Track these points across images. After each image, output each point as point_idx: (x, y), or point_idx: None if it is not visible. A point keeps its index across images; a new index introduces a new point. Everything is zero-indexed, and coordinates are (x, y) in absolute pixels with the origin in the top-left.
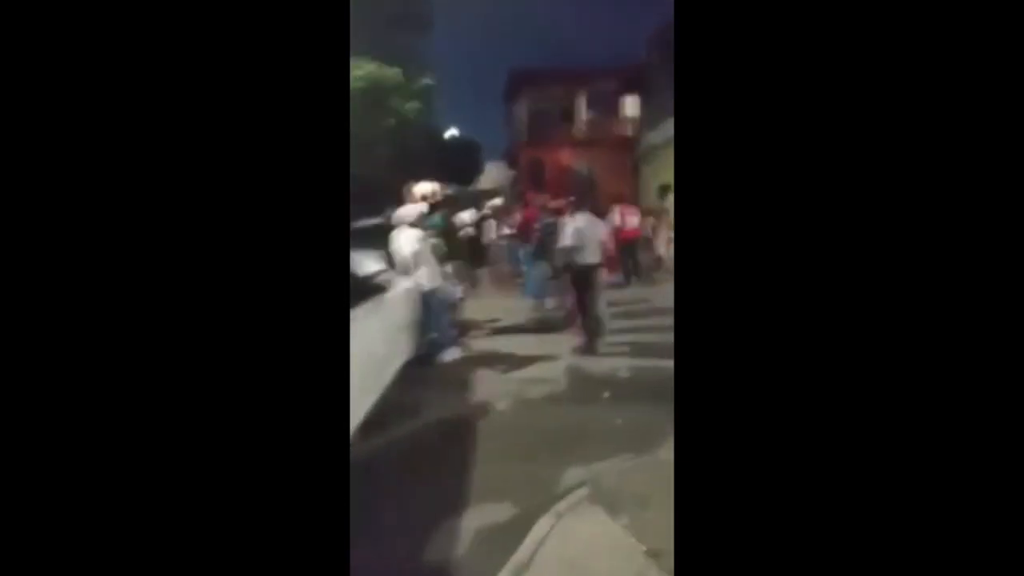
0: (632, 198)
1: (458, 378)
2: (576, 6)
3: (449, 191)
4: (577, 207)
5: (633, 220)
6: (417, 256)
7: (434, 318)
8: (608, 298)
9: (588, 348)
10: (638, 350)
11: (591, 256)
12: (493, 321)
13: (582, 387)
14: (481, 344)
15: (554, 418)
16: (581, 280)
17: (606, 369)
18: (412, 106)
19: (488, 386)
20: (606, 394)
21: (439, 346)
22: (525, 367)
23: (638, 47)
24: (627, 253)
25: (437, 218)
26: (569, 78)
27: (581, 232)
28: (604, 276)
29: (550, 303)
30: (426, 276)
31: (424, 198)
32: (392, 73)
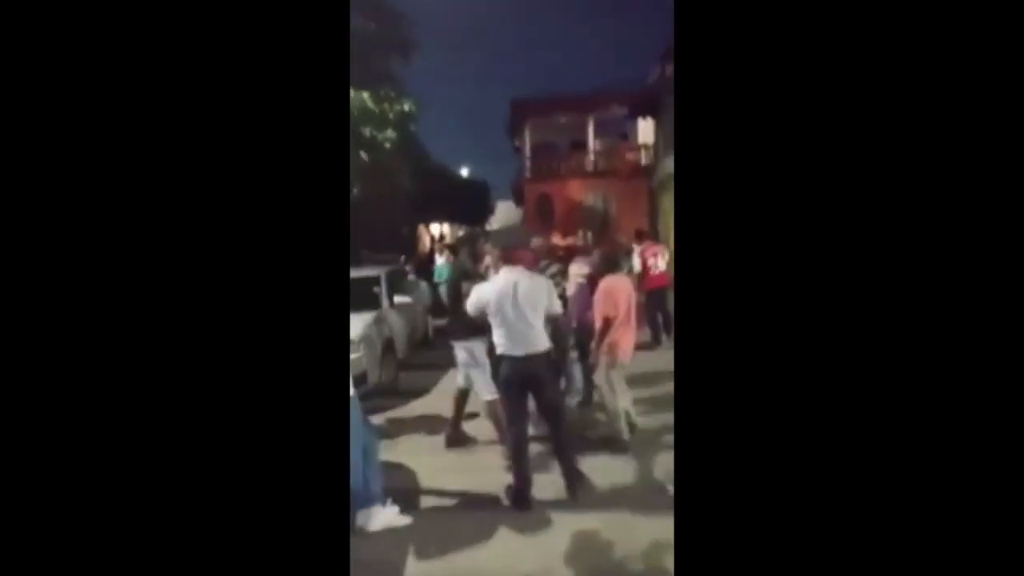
0: (652, 233)
1: None
2: (579, 24)
3: (461, 233)
4: (595, 244)
5: (660, 263)
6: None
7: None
8: (632, 371)
9: (521, 499)
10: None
11: (533, 340)
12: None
13: None
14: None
15: None
16: (519, 382)
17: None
18: (386, 135)
19: None
20: None
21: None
22: None
23: (648, 66)
24: (655, 305)
25: (445, 270)
26: (575, 105)
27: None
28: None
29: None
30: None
31: (435, 241)
32: (363, 97)
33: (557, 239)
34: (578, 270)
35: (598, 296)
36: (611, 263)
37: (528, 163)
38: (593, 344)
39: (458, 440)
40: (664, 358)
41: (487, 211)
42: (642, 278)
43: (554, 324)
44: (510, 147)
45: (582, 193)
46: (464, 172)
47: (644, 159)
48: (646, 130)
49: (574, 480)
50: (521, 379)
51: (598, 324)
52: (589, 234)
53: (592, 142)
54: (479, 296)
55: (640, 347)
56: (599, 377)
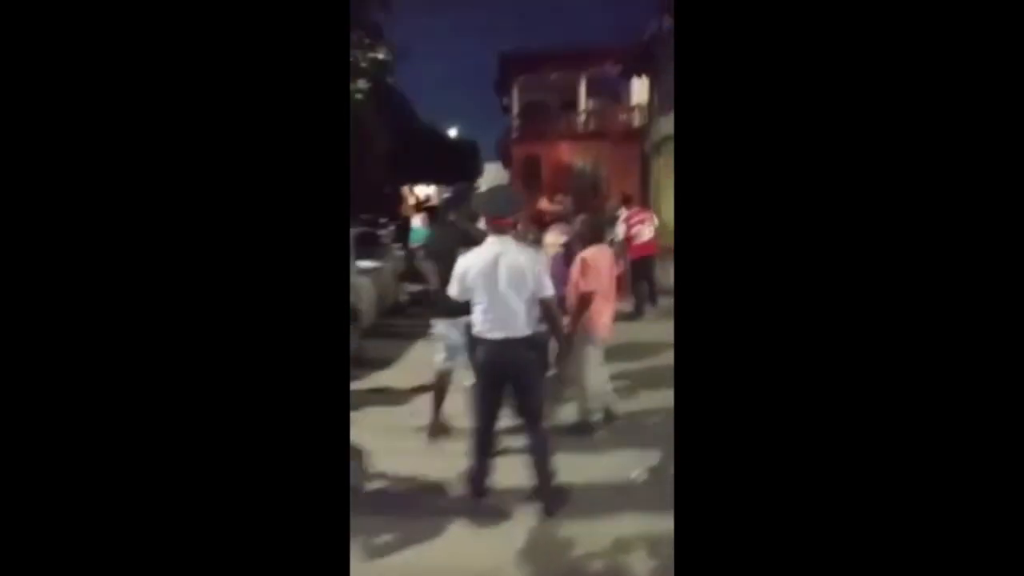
0: (642, 199)
1: None
2: None
3: (447, 194)
4: (578, 211)
5: (646, 231)
6: None
7: None
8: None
9: (477, 486)
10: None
11: (513, 323)
12: None
13: None
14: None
15: None
16: (492, 371)
17: None
18: (358, 87)
19: None
20: None
21: None
22: None
23: (646, 18)
24: (639, 274)
25: (420, 232)
26: (567, 61)
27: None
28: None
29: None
30: None
31: (419, 203)
32: None
33: (544, 204)
34: (554, 239)
35: (578, 267)
36: (595, 231)
37: (516, 123)
38: (568, 320)
39: (441, 430)
40: (648, 329)
41: (476, 173)
42: (626, 246)
43: (543, 307)
44: (498, 104)
45: (572, 156)
46: (451, 131)
47: (637, 121)
48: (640, 90)
49: (551, 499)
50: (495, 367)
51: (574, 298)
52: (568, 199)
53: (584, 101)
54: (463, 271)
55: (622, 317)
56: (574, 356)
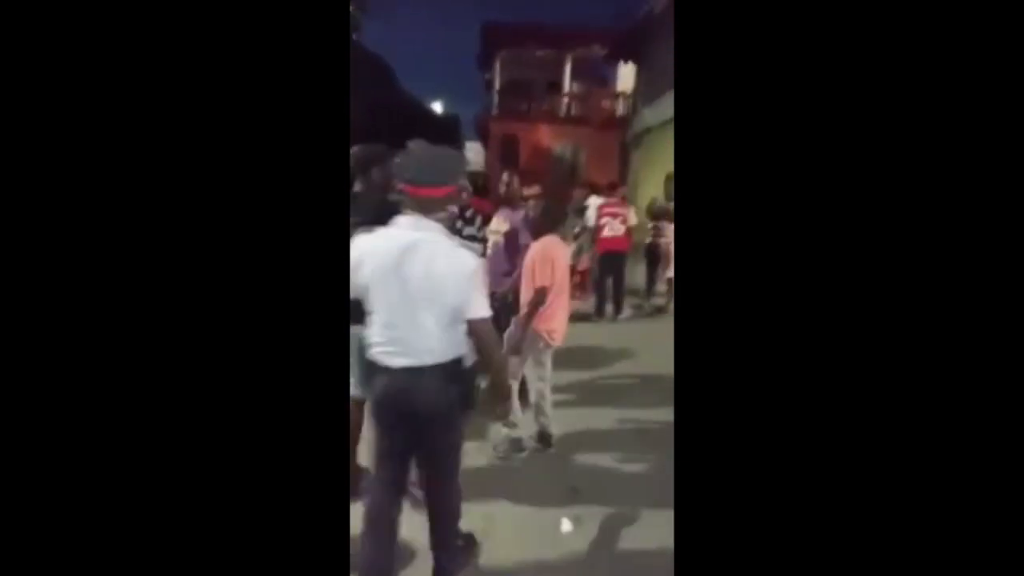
0: (616, 191)
1: None
2: None
3: (355, 148)
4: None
5: (617, 225)
6: None
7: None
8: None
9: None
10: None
11: (421, 347)
12: None
13: None
14: None
15: None
16: (393, 410)
17: None
18: None
19: None
20: None
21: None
22: None
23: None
24: (607, 271)
25: None
26: (553, 39)
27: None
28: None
29: None
30: None
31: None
32: None
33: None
34: (497, 226)
35: (532, 259)
36: (555, 219)
37: (496, 99)
38: (517, 321)
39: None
40: (606, 333)
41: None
42: (594, 237)
43: (471, 329)
44: (475, 77)
45: (552, 139)
46: (428, 102)
47: (621, 109)
48: (626, 76)
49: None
50: (397, 405)
51: (527, 295)
52: (515, 180)
53: (568, 84)
54: (357, 259)
55: (577, 317)
56: (510, 405)
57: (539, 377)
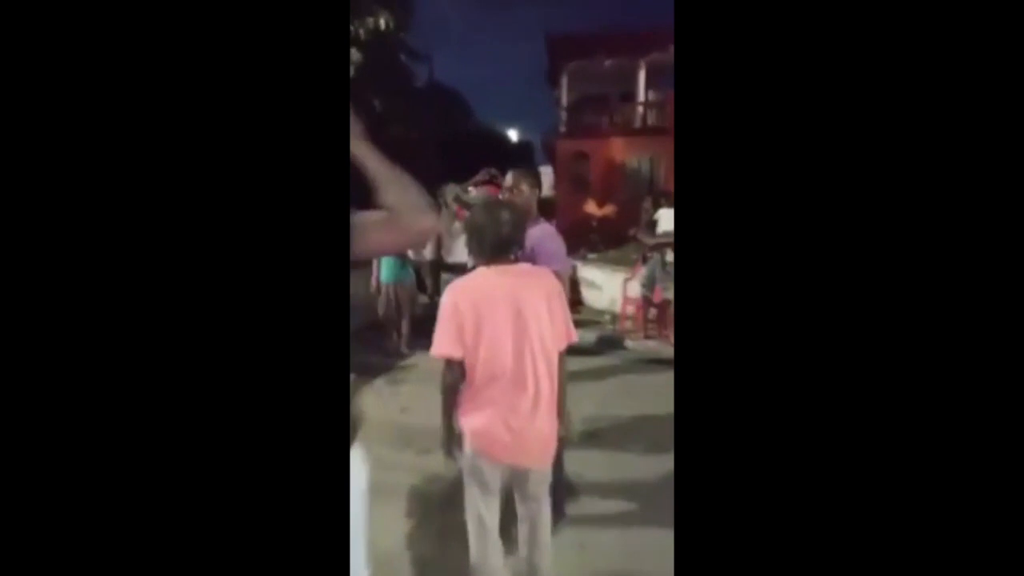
0: None
1: None
2: None
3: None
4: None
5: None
6: None
7: None
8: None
9: None
10: None
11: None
12: None
13: None
14: None
15: None
16: None
17: None
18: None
19: None
20: None
21: None
22: None
23: None
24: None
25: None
26: (624, 45)
27: None
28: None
29: None
30: None
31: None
32: None
33: (591, 207)
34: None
35: (445, 308)
36: (493, 238)
37: (564, 116)
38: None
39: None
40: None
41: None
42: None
43: None
44: (544, 94)
45: (625, 153)
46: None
47: None
48: None
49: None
50: None
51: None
52: (522, 184)
53: (643, 92)
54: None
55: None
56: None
57: (528, 512)
